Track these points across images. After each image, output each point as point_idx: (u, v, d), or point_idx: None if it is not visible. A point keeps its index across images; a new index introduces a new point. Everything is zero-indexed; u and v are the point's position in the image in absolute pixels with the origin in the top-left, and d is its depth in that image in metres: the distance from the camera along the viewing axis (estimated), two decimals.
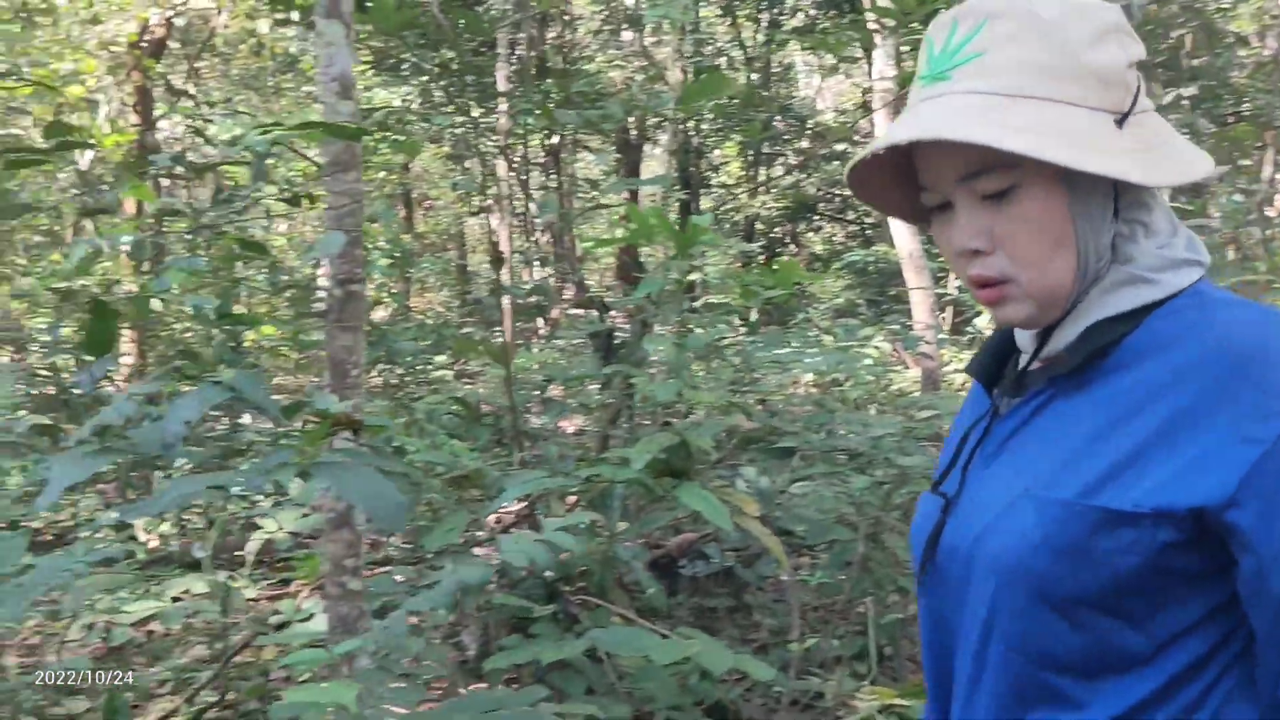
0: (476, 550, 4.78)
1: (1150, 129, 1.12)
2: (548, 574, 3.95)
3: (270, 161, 2.54)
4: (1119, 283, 1.13)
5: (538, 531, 4.81)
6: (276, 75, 15.80)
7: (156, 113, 11.97)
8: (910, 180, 1.18)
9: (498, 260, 5.85)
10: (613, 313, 5.68)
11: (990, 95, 1.08)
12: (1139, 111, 1.12)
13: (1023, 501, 1.09)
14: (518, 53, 8.73)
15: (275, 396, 2.37)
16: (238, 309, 5.03)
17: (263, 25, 14.43)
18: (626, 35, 13.06)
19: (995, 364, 1.27)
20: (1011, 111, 1.07)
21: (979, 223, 1.11)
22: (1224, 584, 1.04)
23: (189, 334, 6.69)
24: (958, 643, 1.19)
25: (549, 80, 8.78)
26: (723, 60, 12.24)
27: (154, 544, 5.59)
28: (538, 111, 6.72)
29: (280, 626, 4.50)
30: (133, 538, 5.51)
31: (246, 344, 5.47)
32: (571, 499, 4.71)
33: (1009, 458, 1.16)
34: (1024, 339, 1.21)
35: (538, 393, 6.29)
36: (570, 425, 7.74)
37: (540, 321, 9.53)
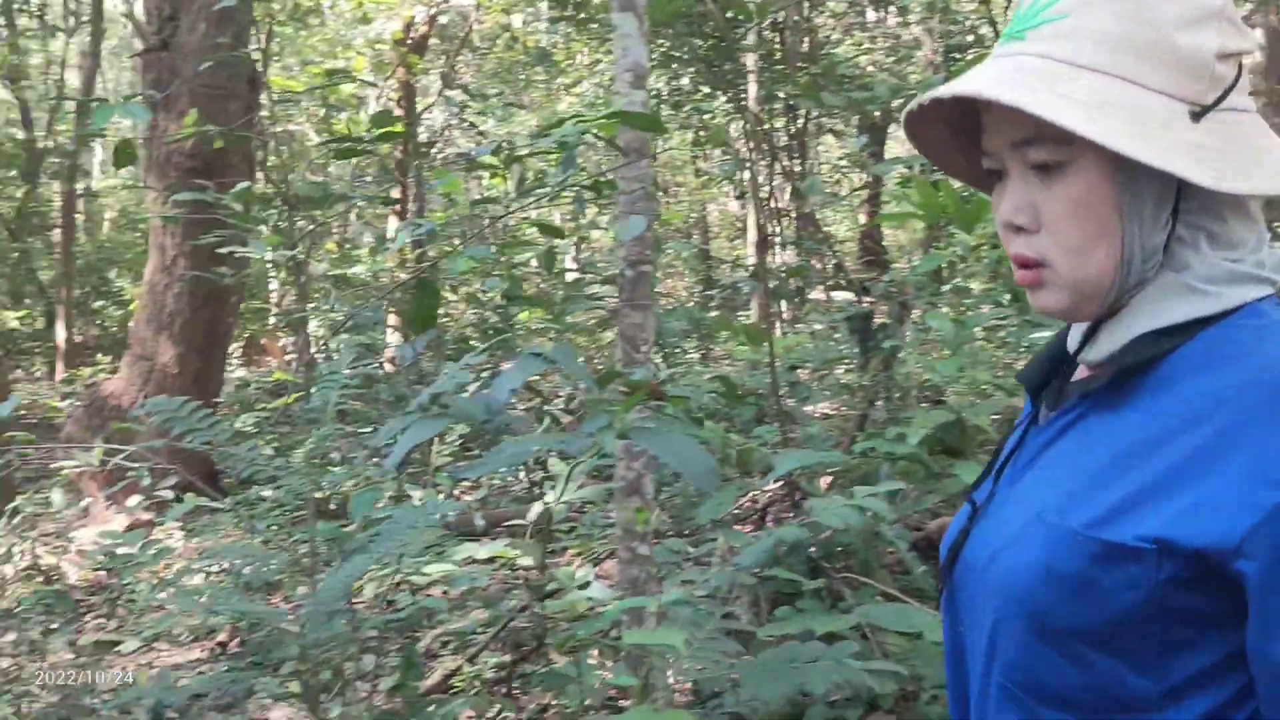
0: (737, 528, 4.92)
1: (1240, 131, 1.01)
2: (812, 550, 4.04)
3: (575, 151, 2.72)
4: (1168, 291, 1.02)
5: (799, 510, 4.92)
6: (527, 68, 16.33)
7: (419, 107, 12.60)
8: (975, 143, 1.11)
9: (763, 244, 5.96)
10: (870, 295, 5.71)
11: (1058, 62, 1.00)
12: (1229, 109, 1.01)
13: (1034, 526, 1.02)
14: (765, 35, 8.79)
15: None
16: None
17: (516, 20, 14.95)
18: (871, 15, 12.96)
19: (1047, 370, 1.18)
20: (1074, 82, 0.99)
21: (1025, 196, 1.04)
22: (1243, 630, 0.94)
23: (460, 314, 7.06)
24: (970, 665, 1.13)
25: (803, 64, 8.82)
26: (972, 38, 12.00)
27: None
28: (794, 94, 6.79)
29: (549, 595, 4.74)
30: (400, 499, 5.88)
31: (516, 324, 5.76)
32: (825, 480, 4.78)
33: (1035, 474, 1.09)
34: (1074, 344, 1.12)
35: (787, 376, 6.37)
36: (814, 410, 7.79)
37: (783, 305, 9.57)
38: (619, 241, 3.02)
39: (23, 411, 11.15)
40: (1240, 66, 1.02)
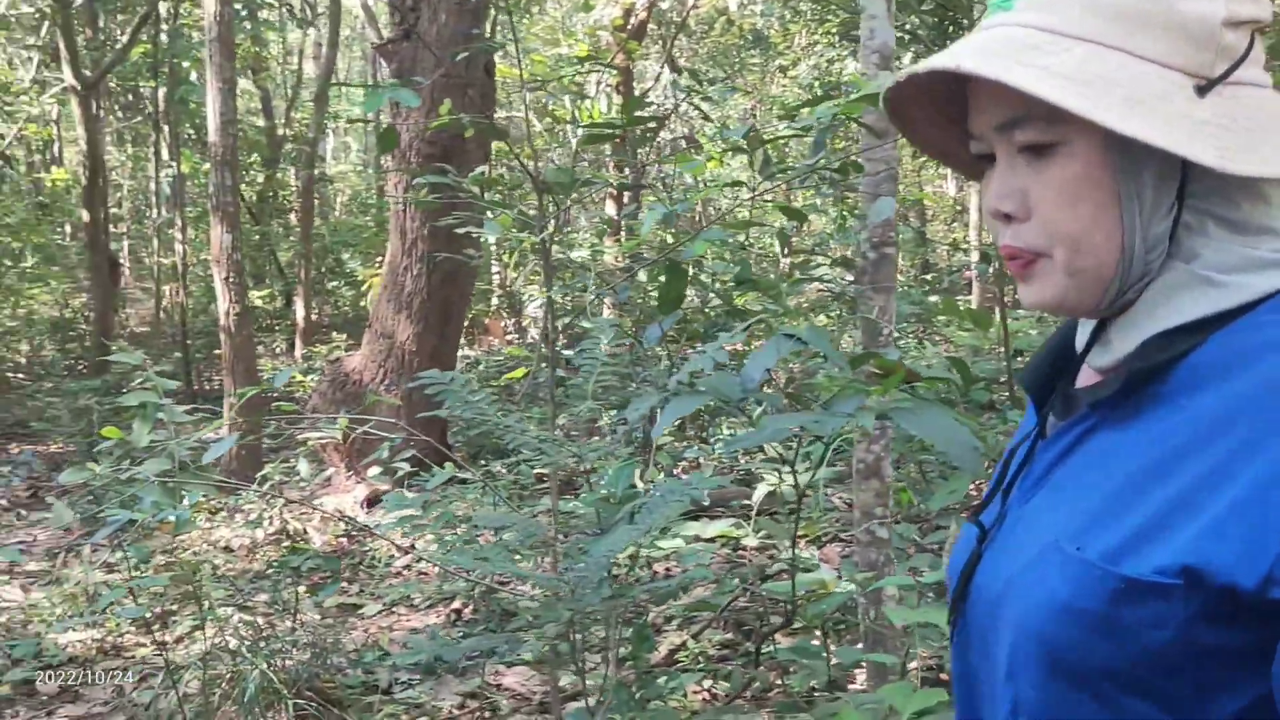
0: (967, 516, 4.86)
1: (1250, 105, 0.90)
2: None
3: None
4: (1179, 284, 0.92)
5: None
6: (743, 51, 16.36)
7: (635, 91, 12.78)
8: (965, 125, 1.01)
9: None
10: None
11: (1047, 32, 0.90)
12: (1239, 83, 0.90)
13: (1050, 554, 0.91)
14: None
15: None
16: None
17: (731, 4, 15.00)
18: None
19: (1049, 374, 1.06)
20: (1064, 53, 0.89)
21: (1013, 182, 0.94)
22: None
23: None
24: (984, 702, 1.03)
25: None
26: None
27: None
28: None
29: (767, 578, 4.79)
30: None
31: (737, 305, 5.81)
32: None
33: (1047, 494, 0.98)
34: (1082, 343, 1.01)
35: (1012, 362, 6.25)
36: None
37: (999, 290, 9.35)
38: (863, 223, 3.04)
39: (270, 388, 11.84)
40: (1254, 36, 0.92)
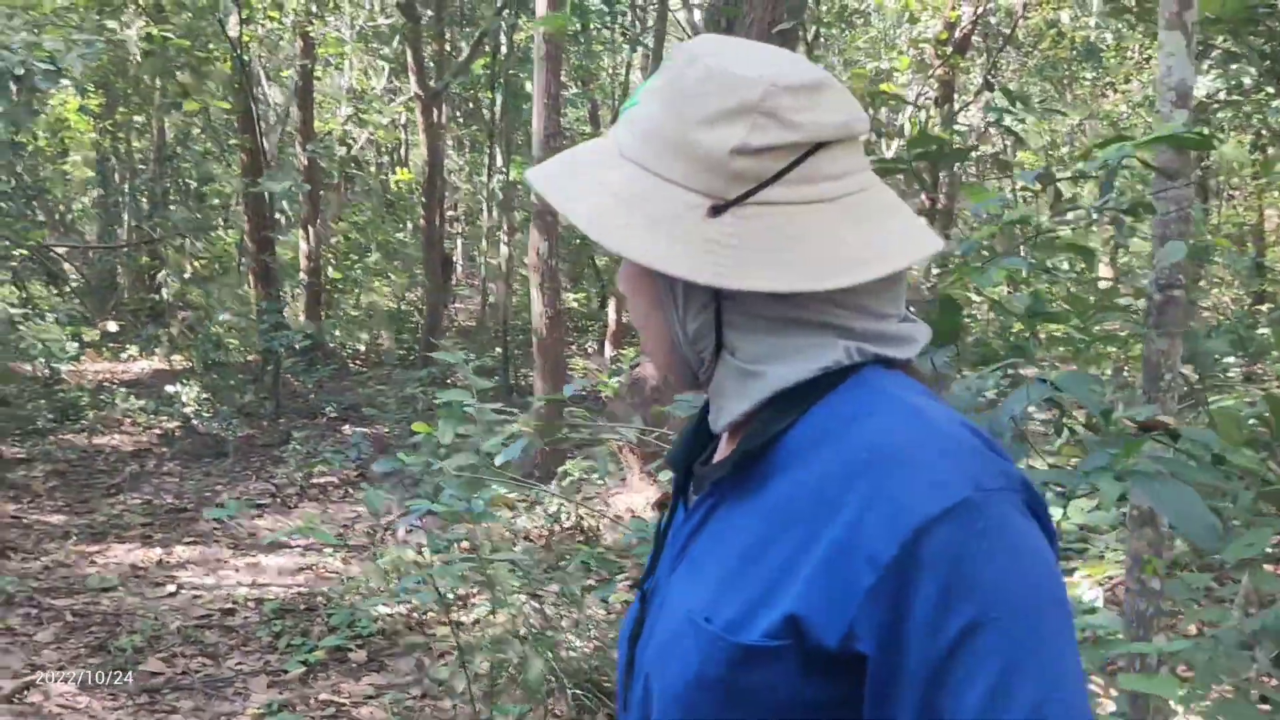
0: (1269, 568, 4.56)
1: (768, 225, 0.95)
2: None
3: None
4: (726, 373, 1.00)
5: None
6: (1073, 65, 15.75)
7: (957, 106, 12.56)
8: None
9: None
10: None
11: (607, 151, 1.02)
12: (762, 202, 0.96)
13: (685, 627, 0.95)
14: None
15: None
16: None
17: (1064, 15, 14.47)
18: None
19: (691, 449, 1.12)
20: (615, 170, 1.00)
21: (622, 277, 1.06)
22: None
23: (989, 325, 7.02)
24: None
25: None
26: None
27: None
28: None
29: None
30: None
31: (1044, 337, 5.66)
32: None
33: (686, 567, 1.02)
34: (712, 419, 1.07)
35: None
36: None
37: None
38: (1153, 265, 2.95)
39: (580, 388, 12.37)
40: (806, 155, 0.97)
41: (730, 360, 1.01)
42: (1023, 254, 3.44)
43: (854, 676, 0.88)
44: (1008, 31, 13.77)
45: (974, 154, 12.24)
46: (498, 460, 3.64)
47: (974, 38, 13.55)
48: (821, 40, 14.32)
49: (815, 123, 0.97)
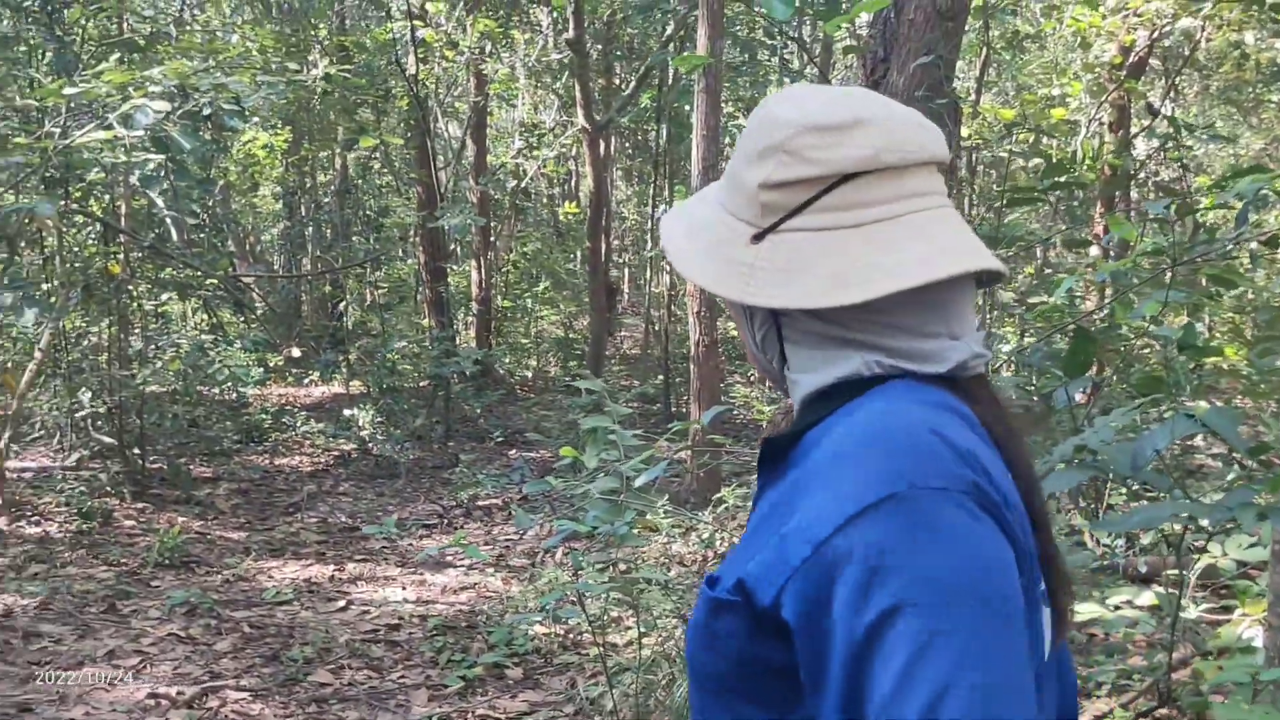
0: None
1: (791, 250, 1.10)
2: None
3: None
4: (789, 380, 1.17)
5: None
6: (1258, 87, 15.16)
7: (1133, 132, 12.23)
8: None
9: None
10: None
11: (711, 188, 1.24)
12: (790, 229, 1.11)
13: (703, 584, 1.11)
14: None
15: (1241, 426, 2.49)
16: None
17: (1249, 36, 13.95)
18: None
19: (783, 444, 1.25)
20: (697, 204, 1.23)
21: None
22: None
23: (1148, 355, 6.85)
24: None
25: None
26: None
27: (1100, 552, 5.88)
28: None
29: (1218, 652, 4.52)
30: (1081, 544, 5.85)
31: (1208, 368, 5.51)
32: None
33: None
34: None
35: None
36: None
37: None
38: None
39: (738, 411, 12.44)
40: (832, 186, 1.09)
41: (786, 371, 1.18)
42: (1168, 284, 3.40)
43: (790, 644, 1.00)
44: (1186, 53, 13.35)
45: (1147, 180, 11.90)
46: (636, 482, 3.76)
47: (1151, 61, 13.18)
48: (993, 66, 14.12)
49: (836, 158, 1.09)
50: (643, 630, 5.11)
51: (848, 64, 19.04)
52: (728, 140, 11.87)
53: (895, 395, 1.07)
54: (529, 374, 16.13)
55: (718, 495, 7.58)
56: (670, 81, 13.80)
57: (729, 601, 1.04)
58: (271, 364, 13.92)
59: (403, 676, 5.55)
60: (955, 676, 0.88)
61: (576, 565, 4.32)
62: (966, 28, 7.11)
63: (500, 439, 12.06)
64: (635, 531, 4.08)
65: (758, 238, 1.12)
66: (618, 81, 16.21)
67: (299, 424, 11.74)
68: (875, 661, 0.91)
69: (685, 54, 8.07)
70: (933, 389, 1.09)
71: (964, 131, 7.48)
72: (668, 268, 14.58)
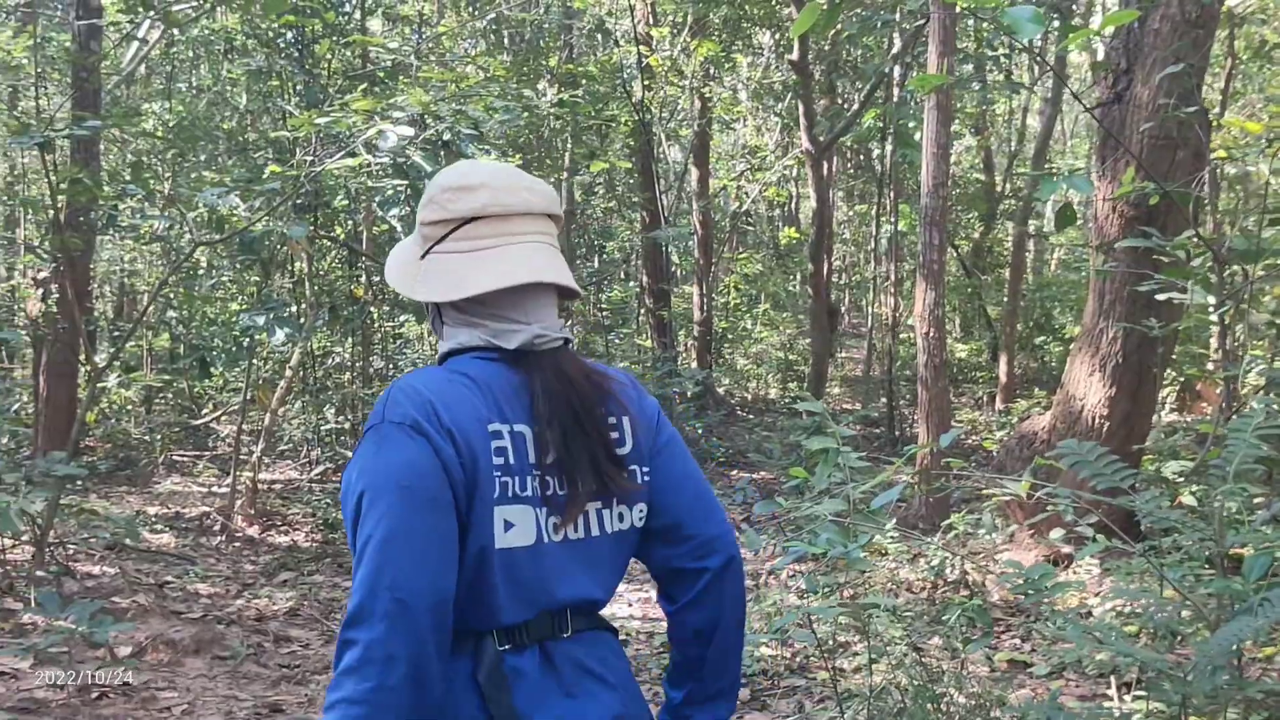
0: None
1: (441, 266, 1.77)
2: None
3: None
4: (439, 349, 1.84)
5: None
6: None
7: None
8: None
9: None
10: None
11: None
12: (439, 252, 1.78)
13: None
14: None
15: None
16: None
17: None
18: None
19: None
20: (405, 242, 1.91)
21: None
22: None
23: None
24: None
25: None
26: None
27: None
28: None
29: None
30: None
31: None
32: None
33: None
34: None
35: None
36: None
37: None
38: None
39: (965, 436, 12.13)
40: (459, 225, 1.77)
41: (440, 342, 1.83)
42: None
43: None
44: None
45: None
46: (872, 505, 3.69)
47: None
48: (1238, 77, 13.40)
49: (461, 209, 1.76)
50: (873, 656, 5.02)
51: (1081, 77, 18.42)
52: (961, 157, 11.63)
53: (451, 363, 1.76)
54: (749, 395, 16.13)
55: (947, 520, 7.40)
56: (896, 99, 13.61)
57: None
58: None
59: None
60: (375, 529, 1.56)
61: (811, 588, 4.27)
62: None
63: (722, 460, 12.08)
64: (864, 555, 4.02)
65: (422, 257, 1.80)
66: (840, 101, 16.08)
67: None
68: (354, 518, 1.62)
69: (921, 75, 7.94)
70: (492, 360, 1.74)
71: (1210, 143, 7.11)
72: (893, 289, 14.37)
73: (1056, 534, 7.04)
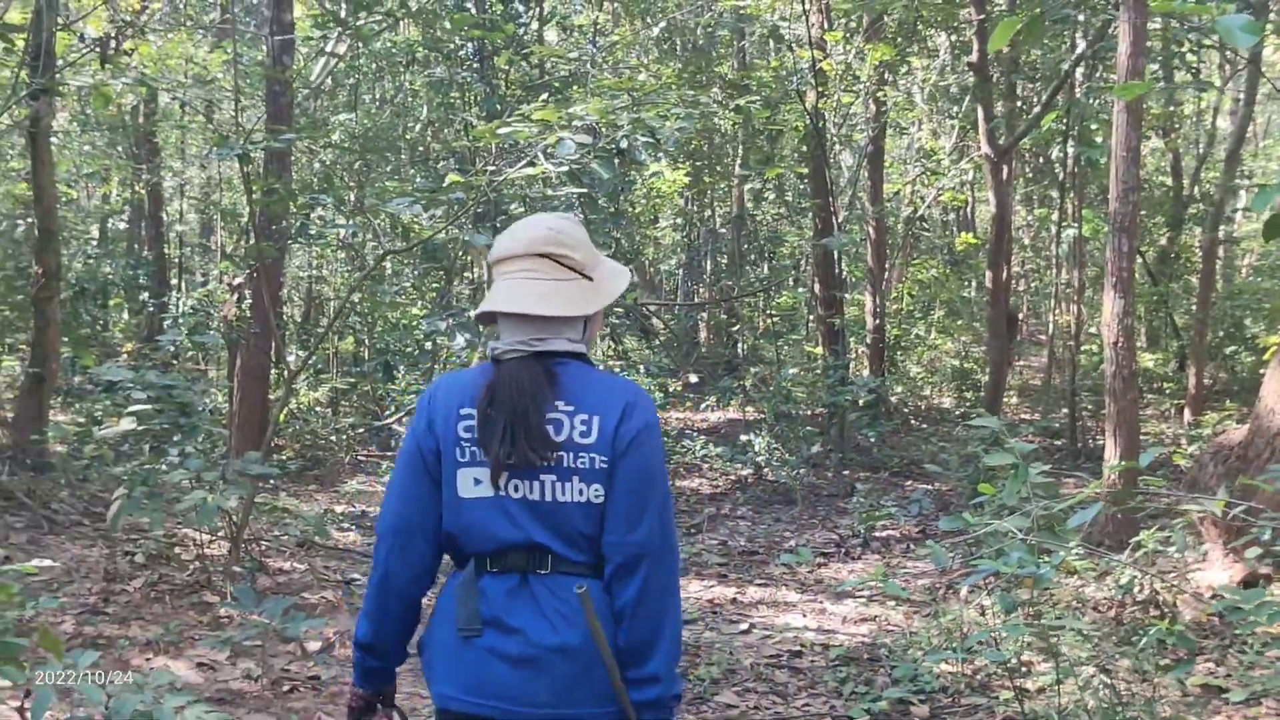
0: None
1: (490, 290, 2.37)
2: None
3: None
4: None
5: None
6: None
7: None
8: None
9: None
10: None
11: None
12: (491, 282, 2.39)
13: None
14: None
15: None
16: None
17: None
18: None
19: None
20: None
21: None
22: None
23: None
24: None
25: None
26: None
27: None
28: None
29: None
30: None
31: None
32: None
33: None
34: None
35: None
36: None
37: None
38: None
39: (1157, 454, 11.68)
40: (492, 266, 2.39)
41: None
42: None
43: None
44: None
45: None
46: (1070, 523, 3.58)
47: None
48: None
49: (492, 254, 2.36)
50: (1059, 677, 4.87)
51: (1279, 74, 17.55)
52: (1147, 161, 11.20)
53: (475, 367, 2.36)
54: (923, 404, 15.84)
55: (1136, 538, 7.12)
56: (1080, 100, 13.19)
57: None
58: (670, 389, 14.39)
59: (807, 704, 5.55)
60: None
61: (1005, 607, 4.16)
62: None
63: (895, 469, 11.90)
64: (1057, 576, 3.90)
65: (487, 285, 2.03)
66: (1019, 103, 15.67)
67: (697, 447, 12.06)
68: None
69: (1126, 84, 7.66)
70: (489, 363, 2.29)
71: None
72: (1075, 296, 13.93)
73: (1253, 553, 6.72)
